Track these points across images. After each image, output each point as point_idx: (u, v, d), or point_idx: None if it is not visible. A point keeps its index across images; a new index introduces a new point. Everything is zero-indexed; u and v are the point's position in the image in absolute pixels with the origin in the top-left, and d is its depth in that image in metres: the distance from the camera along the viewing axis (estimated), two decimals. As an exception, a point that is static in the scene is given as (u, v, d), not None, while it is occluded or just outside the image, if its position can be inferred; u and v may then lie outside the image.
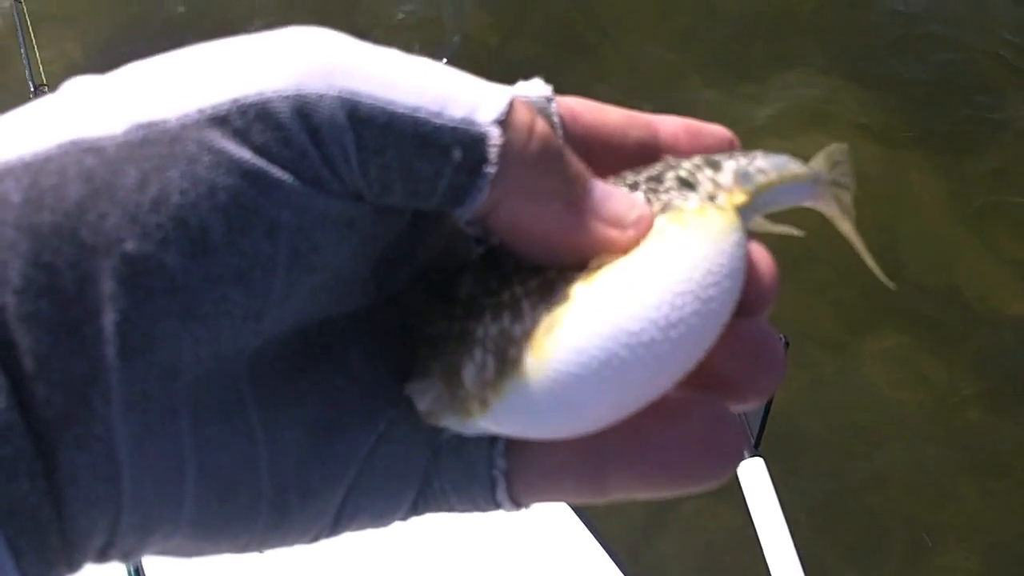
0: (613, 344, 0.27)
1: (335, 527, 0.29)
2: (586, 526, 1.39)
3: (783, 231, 0.37)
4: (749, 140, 0.33)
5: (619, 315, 0.27)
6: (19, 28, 2.36)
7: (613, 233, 0.28)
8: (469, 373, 0.28)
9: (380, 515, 0.30)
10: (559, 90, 0.30)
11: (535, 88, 0.30)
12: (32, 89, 2.15)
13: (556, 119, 0.30)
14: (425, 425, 0.29)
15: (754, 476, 1.32)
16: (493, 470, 0.29)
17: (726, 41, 3.27)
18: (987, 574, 2.31)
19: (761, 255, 0.31)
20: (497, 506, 0.30)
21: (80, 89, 0.26)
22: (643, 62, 3.22)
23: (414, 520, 0.30)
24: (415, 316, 0.30)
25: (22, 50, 2.30)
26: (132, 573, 1.18)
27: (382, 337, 0.30)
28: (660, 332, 0.27)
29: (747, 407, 0.32)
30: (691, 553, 2.34)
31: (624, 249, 0.28)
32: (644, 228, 0.29)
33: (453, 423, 0.29)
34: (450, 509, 0.30)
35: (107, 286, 0.23)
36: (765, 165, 0.33)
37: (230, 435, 0.26)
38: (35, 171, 0.23)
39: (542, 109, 0.29)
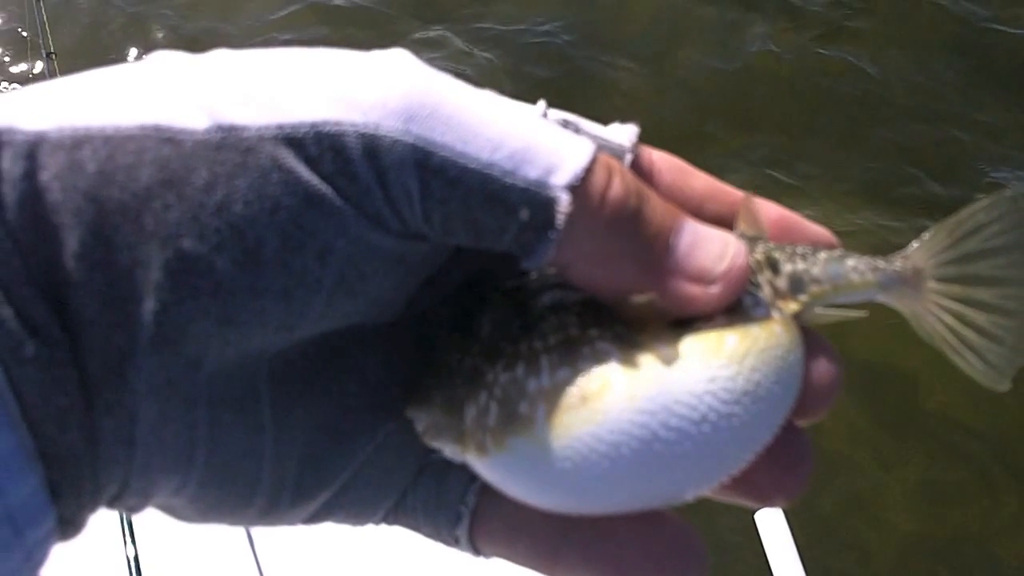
0: (644, 450, 0.25)
1: (311, 519, 0.30)
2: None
3: (839, 318, 0.32)
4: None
5: (657, 422, 0.25)
6: (39, 27, 2.40)
7: (694, 291, 0.27)
8: (470, 413, 0.27)
9: (356, 516, 0.31)
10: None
11: (621, 134, 0.30)
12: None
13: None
14: (418, 443, 0.29)
15: (772, 525, 1.29)
16: (461, 505, 0.30)
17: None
18: None
19: (823, 371, 0.29)
20: (455, 541, 0.30)
21: (169, 68, 0.26)
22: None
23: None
24: (435, 335, 0.31)
25: (42, 51, 2.34)
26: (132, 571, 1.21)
27: (400, 349, 0.30)
28: (696, 448, 0.26)
29: (771, 506, 0.30)
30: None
31: (705, 309, 0.27)
32: (733, 283, 0.27)
33: (449, 449, 0.28)
34: (416, 528, 0.31)
35: (156, 275, 0.24)
36: (820, 275, 0.31)
37: (242, 428, 0.27)
38: (114, 146, 0.24)
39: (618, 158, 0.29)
